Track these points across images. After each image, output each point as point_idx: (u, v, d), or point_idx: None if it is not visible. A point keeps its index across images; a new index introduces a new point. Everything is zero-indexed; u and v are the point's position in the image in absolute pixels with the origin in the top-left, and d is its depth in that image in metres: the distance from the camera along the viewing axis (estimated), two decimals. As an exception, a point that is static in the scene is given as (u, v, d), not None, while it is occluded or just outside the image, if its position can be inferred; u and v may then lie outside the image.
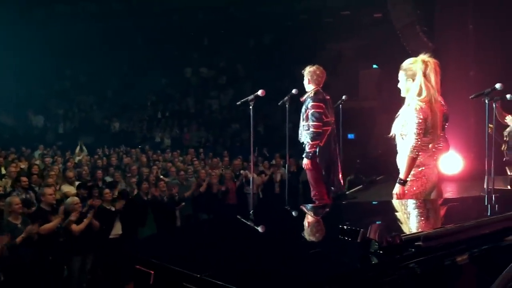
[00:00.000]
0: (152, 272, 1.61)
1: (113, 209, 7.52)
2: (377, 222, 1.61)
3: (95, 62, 19.88)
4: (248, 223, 2.70)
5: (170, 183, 9.48)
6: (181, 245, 1.98)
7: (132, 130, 19.02)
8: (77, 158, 12.79)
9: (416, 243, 1.59)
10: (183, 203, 9.08)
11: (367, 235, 1.54)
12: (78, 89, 20.98)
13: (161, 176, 10.18)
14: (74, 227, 6.64)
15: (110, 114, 19.78)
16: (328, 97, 5.92)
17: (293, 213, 3.10)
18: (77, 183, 8.66)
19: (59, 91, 20.92)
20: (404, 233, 1.71)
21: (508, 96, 5.77)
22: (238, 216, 2.71)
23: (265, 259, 1.75)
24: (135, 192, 8.70)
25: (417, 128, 3.41)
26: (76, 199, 6.98)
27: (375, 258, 1.55)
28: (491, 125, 5.69)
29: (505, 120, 5.83)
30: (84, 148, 14.17)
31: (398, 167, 3.56)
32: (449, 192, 7.84)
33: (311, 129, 5.74)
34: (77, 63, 20.61)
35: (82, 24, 19.64)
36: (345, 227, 1.70)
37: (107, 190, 7.64)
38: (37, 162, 11.13)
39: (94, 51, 19.74)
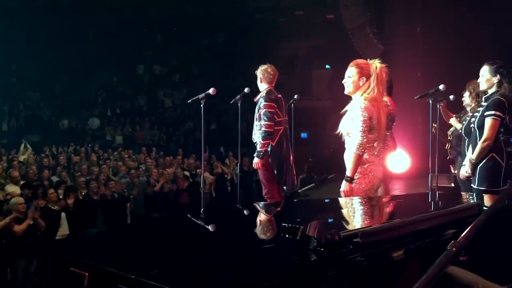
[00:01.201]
0: (87, 274, 1.55)
1: (59, 209, 7.30)
2: (317, 220, 1.61)
3: (43, 57, 19.19)
4: (197, 221, 2.66)
5: (119, 182, 9.28)
6: (120, 245, 1.92)
7: (82, 128, 18.49)
8: (22, 157, 12.29)
9: (354, 240, 1.60)
10: (131, 198, 8.92)
11: (306, 233, 1.54)
12: (25, 85, 20.19)
13: (111, 176, 9.95)
14: (16, 228, 6.39)
15: (59, 111, 19.15)
16: (280, 96, 5.94)
17: (244, 211, 3.09)
18: (22, 182, 8.34)
19: (4, 87, 20.06)
20: (344, 229, 1.73)
21: (451, 97, 5.97)
22: (188, 215, 2.67)
23: (206, 258, 1.72)
24: (84, 191, 8.47)
25: (362, 126, 3.48)
26: (20, 199, 6.73)
27: (314, 255, 1.56)
28: (435, 125, 5.89)
29: (450, 121, 6.04)
30: (28, 146, 13.63)
31: (346, 164, 3.61)
32: (397, 189, 8.06)
33: (263, 129, 5.75)
34: (24, 58, 19.83)
35: (30, 18, 18.91)
36: (285, 225, 1.69)
37: (51, 190, 7.40)
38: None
39: (42, 45, 19.05)
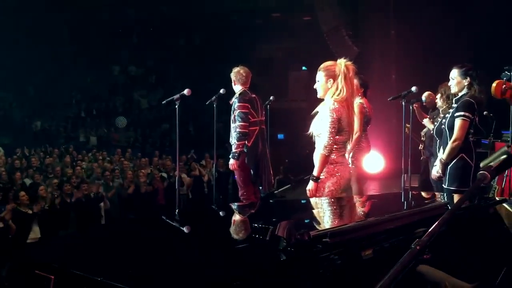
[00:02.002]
0: (52, 277, 1.52)
1: (30, 212, 7.15)
2: (287, 220, 1.62)
3: (16, 57, 18.79)
4: (171, 223, 2.64)
5: (93, 184, 9.16)
6: (88, 247, 1.89)
7: (56, 129, 18.17)
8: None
9: (324, 239, 1.61)
10: (104, 197, 8.80)
11: (276, 233, 1.54)
12: (-3, 85, 19.74)
13: (85, 177, 9.81)
14: (-13, 231, 6.26)
15: (31, 113, 18.78)
16: (254, 96, 5.95)
17: (220, 212, 3.08)
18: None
19: (-26, 87, 19.59)
20: (315, 229, 1.74)
21: (423, 98, 6.09)
22: (163, 216, 2.65)
23: (178, 259, 1.71)
24: (58, 193, 8.32)
25: (330, 127, 3.52)
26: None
27: (284, 255, 1.56)
28: (408, 125, 5.98)
29: (423, 121, 6.15)
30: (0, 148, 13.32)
31: (314, 164, 3.65)
32: (372, 190, 8.15)
33: (237, 130, 5.75)
34: (-5, 57, 19.39)
35: (3, 17, 18.48)
36: (257, 225, 1.69)
37: (22, 193, 7.25)
38: None
39: (16, 45, 18.65)
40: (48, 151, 13.92)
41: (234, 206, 3.27)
